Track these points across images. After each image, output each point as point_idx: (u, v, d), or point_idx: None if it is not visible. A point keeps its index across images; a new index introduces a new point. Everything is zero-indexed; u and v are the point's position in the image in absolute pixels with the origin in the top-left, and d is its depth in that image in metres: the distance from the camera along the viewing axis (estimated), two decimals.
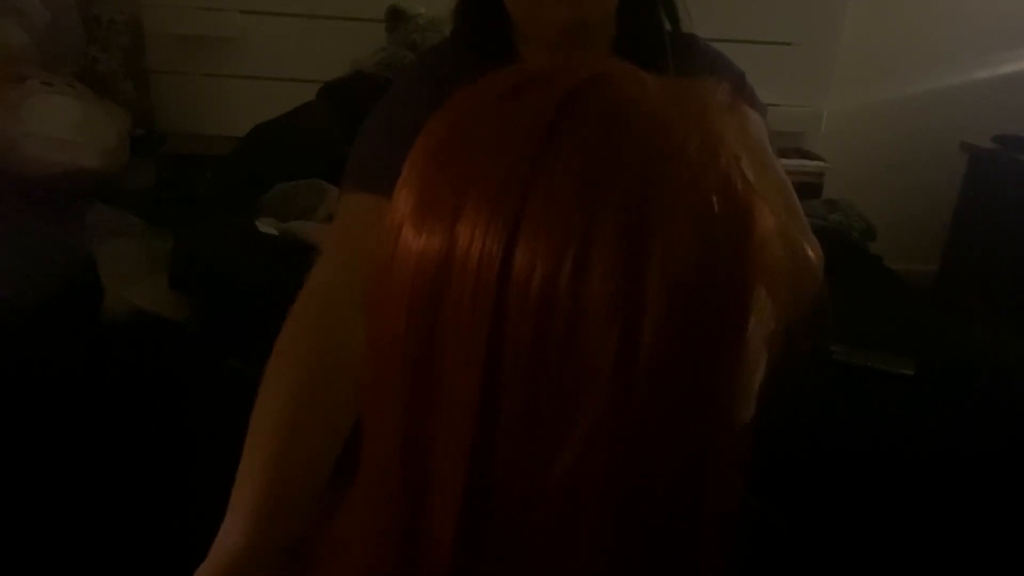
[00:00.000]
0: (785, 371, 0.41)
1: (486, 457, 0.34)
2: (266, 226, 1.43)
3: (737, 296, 0.34)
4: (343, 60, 1.94)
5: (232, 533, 0.53)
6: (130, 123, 1.85)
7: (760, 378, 0.41)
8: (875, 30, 2.29)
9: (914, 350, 1.31)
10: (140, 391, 1.10)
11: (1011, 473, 1.03)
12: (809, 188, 2.12)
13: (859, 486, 0.99)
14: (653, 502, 0.35)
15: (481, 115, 0.36)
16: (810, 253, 0.66)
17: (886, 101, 2.39)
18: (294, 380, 0.62)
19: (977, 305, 2.10)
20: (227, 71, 2.15)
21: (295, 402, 0.61)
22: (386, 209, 0.37)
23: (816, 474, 0.98)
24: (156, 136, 2.07)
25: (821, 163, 2.16)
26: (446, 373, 0.34)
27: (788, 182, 0.70)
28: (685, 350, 0.33)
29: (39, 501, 0.95)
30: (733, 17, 2.00)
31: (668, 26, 0.89)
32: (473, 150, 0.35)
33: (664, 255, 0.32)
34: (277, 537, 0.53)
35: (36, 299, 1.34)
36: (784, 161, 2.02)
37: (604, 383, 0.32)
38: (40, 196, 1.57)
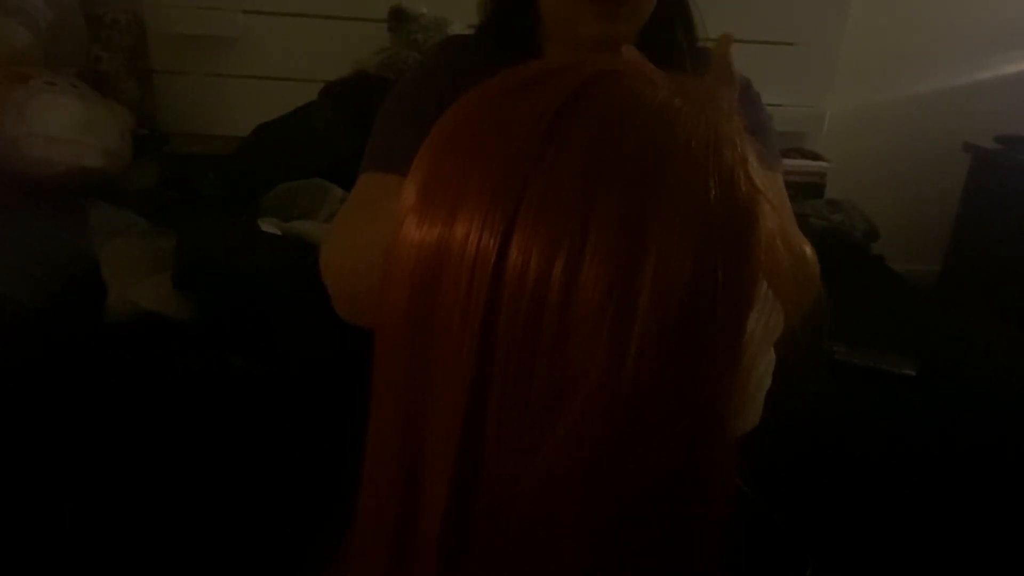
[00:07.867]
0: (787, 371, 0.41)
1: (475, 439, 0.34)
2: (268, 226, 1.43)
3: (735, 298, 0.34)
4: (345, 60, 1.94)
5: None
6: (133, 122, 1.86)
7: (767, 385, 0.41)
8: (877, 30, 2.29)
9: (916, 350, 1.31)
10: (143, 390, 1.10)
11: (1013, 473, 1.03)
12: (811, 188, 2.11)
13: (860, 486, 0.99)
14: (638, 499, 0.35)
15: (490, 108, 0.37)
16: (808, 252, 0.67)
17: (889, 101, 2.38)
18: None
19: (980, 305, 2.10)
20: (230, 71, 2.15)
21: None
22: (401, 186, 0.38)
23: (817, 474, 0.98)
24: (159, 136, 2.07)
25: (823, 163, 2.16)
26: (440, 360, 0.35)
27: (785, 196, 0.71)
28: (677, 350, 0.33)
29: (42, 500, 0.95)
30: (735, 17, 1.99)
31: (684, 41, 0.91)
32: (478, 142, 0.35)
33: (660, 252, 0.32)
34: None
35: (39, 298, 1.34)
36: (786, 161, 2.01)
37: (593, 378, 0.32)
38: (43, 195, 1.57)
